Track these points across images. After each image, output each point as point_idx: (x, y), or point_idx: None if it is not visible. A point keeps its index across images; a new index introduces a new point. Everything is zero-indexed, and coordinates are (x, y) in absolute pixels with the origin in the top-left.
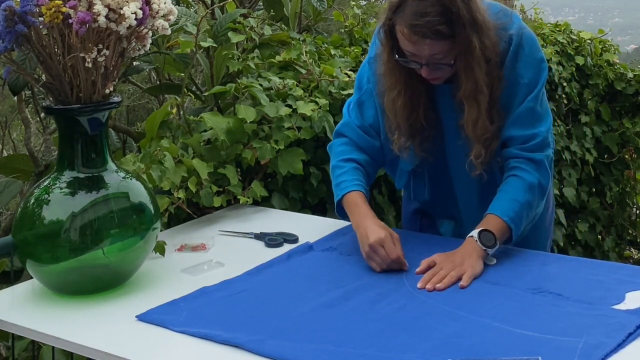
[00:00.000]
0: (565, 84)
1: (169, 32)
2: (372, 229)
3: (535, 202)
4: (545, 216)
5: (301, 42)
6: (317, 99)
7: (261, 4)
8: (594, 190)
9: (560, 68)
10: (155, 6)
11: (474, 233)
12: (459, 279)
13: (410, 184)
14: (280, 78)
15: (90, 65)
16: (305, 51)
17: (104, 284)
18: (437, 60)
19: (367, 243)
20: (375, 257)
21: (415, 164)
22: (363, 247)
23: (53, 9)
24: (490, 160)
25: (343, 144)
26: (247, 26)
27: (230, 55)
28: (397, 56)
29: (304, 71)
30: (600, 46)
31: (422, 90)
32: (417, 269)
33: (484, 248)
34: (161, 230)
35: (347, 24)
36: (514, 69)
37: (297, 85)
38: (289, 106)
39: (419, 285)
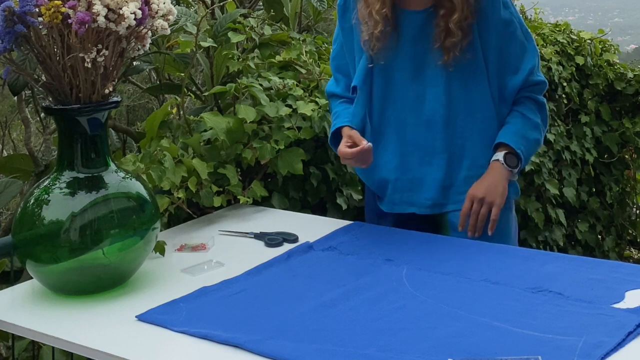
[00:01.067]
0: (565, 84)
1: (168, 32)
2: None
3: (540, 140)
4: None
5: (301, 42)
6: (317, 99)
7: (261, 4)
8: (594, 190)
9: (560, 68)
10: (154, 6)
11: (499, 156)
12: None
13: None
14: (280, 78)
15: (89, 65)
16: (305, 51)
17: (104, 284)
18: None
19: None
20: (345, 149)
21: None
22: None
23: (52, 9)
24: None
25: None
26: (247, 26)
27: (230, 55)
28: None
29: (304, 71)
30: (600, 46)
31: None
32: (461, 214)
33: (509, 169)
34: (161, 230)
35: None
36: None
37: (297, 85)
38: (289, 106)
39: (459, 228)
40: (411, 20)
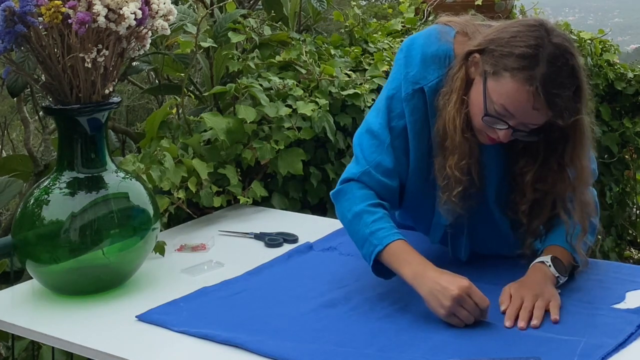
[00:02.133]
0: None
1: (168, 32)
2: (449, 279)
3: (597, 225)
4: None
5: (301, 42)
6: (317, 99)
7: (260, 4)
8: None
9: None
10: (154, 6)
11: (546, 259)
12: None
13: (447, 239)
14: (280, 78)
15: (89, 65)
16: (306, 51)
17: (104, 284)
18: (528, 127)
19: (451, 295)
20: (462, 310)
21: (454, 217)
22: (442, 302)
23: (52, 9)
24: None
25: (362, 188)
26: (247, 26)
27: (230, 56)
28: (487, 113)
29: (304, 71)
30: (601, 46)
31: (475, 143)
32: (502, 307)
33: (557, 275)
34: (161, 230)
35: (347, 24)
36: None
37: (297, 85)
38: (289, 106)
39: (507, 324)
40: None
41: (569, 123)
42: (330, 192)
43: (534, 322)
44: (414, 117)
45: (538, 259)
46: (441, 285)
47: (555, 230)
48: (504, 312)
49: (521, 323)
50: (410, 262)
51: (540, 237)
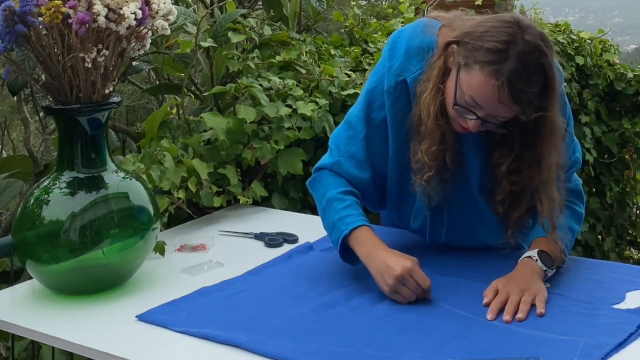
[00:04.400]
0: (565, 84)
1: (168, 32)
2: (395, 260)
3: (583, 212)
4: None
5: (301, 42)
6: (317, 99)
7: (260, 4)
8: (594, 190)
9: (560, 68)
10: (154, 6)
11: (533, 254)
12: (533, 304)
13: (426, 224)
14: (280, 78)
15: (89, 65)
16: (306, 51)
17: (104, 284)
18: (497, 120)
19: (393, 274)
20: (404, 289)
21: (436, 201)
22: (386, 280)
23: (52, 9)
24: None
25: (334, 175)
26: (247, 26)
27: (230, 56)
28: (456, 103)
29: (303, 71)
30: (600, 46)
31: (449, 131)
32: (485, 300)
33: (544, 269)
34: (161, 230)
35: (347, 24)
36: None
37: (297, 85)
38: (289, 106)
39: (488, 317)
40: None
41: (531, 119)
42: (307, 182)
43: (519, 315)
44: (396, 108)
45: (525, 254)
46: (387, 264)
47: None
48: (486, 305)
49: (506, 316)
50: (365, 243)
51: (525, 229)
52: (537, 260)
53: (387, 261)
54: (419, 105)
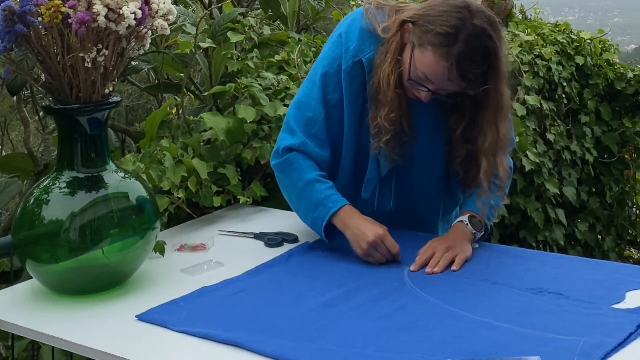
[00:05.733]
0: (565, 84)
1: (168, 32)
2: (368, 227)
3: (507, 190)
4: None
5: (298, 41)
6: None
7: (258, 3)
8: (594, 190)
9: (560, 68)
10: (154, 6)
11: (464, 218)
12: (453, 261)
13: (375, 194)
14: (276, 75)
15: (89, 65)
16: (299, 50)
17: (104, 284)
18: (446, 92)
19: (367, 240)
20: (376, 253)
21: (387, 170)
22: (360, 244)
23: (52, 9)
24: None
25: (306, 159)
26: (247, 25)
27: (229, 55)
28: (410, 78)
29: (294, 71)
30: (600, 46)
31: (405, 98)
32: (418, 259)
33: (474, 232)
34: (161, 230)
35: None
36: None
37: (293, 84)
38: (288, 106)
39: (412, 268)
40: None
41: (479, 92)
42: (274, 163)
43: (436, 269)
44: (352, 87)
45: (458, 219)
46: (361, 230)
47: (474, 194)
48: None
49: (428, 269)
50: (350, 220)
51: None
52: (467, 224)
53: (361, 228)
54: (378, 75)
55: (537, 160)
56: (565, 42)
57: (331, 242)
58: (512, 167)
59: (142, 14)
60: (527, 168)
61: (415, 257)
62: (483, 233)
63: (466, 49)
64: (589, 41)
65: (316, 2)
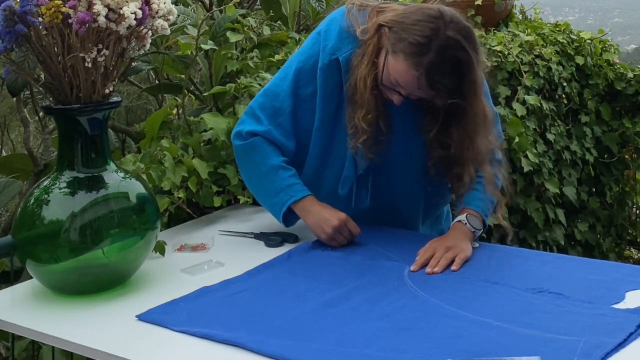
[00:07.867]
0: (565, 84)
1: (168, 32)
2: (330, 213)
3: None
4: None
5: (298, 41)
6: None
7: (259, 3)
8: (594, 190)
9: (560, 68)
10: (154, 6)
11: (462, 217)
12: (453, 261)
13: (352, 191)
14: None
15: (90, 65)
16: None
17: (104, 284)
18: (417, 97)
19: (332, 225)
20: (339, 236)
21: (363, 168)
22: (324, 229)
23: (53, 9)
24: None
25: (270, 144)
26: (247, 25)
27: (229, 55)
28: (382, 82)
29: None
30: (600, 46)
31: (381, 99)
32: (418, 259)
33: (473, 229)
34: (161, 230)
35: None
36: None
37: None
38: None
39: (412, 267)
40: None
41: (446, 104)
42: (237, 144)
43: (436, 269)
44: (327, 84)
45: (456, 219)
46: (324, 217)
47: (473, 192)
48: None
49: (428, 269)
50: (311, 208)
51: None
52: (466, 223)
53: (323, 214)
54: (354, 76)
55: (537, 160)
56: (565, 42)
57: (287, 226)
58: (501, 158)
59: (142, 14)
60: (527, 168)
61: (415, 257)
62: (482, 229)
63: (437, 60)
64: (588, 41)
65: (317, 3)
